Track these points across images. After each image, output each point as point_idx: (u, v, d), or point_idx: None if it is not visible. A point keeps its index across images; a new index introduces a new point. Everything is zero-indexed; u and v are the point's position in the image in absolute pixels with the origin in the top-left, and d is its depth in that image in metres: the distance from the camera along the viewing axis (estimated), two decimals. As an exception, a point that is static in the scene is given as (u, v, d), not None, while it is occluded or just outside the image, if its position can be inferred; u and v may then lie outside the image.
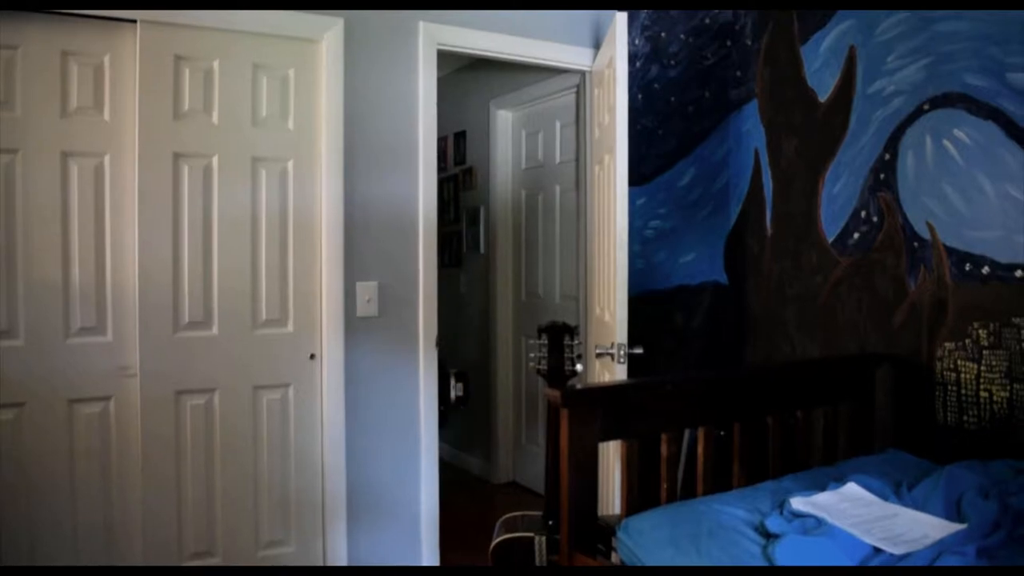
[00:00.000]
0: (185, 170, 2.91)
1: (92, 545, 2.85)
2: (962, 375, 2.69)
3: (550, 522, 2.37)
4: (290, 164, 3.06)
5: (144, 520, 2.90)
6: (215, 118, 2.95)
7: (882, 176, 2.95)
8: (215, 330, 2.97)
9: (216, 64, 2.93)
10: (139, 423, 2.87)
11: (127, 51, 2.82)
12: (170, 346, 2.89)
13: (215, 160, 2.95)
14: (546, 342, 2.46)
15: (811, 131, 3.23)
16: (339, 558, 3.15)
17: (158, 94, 2.84)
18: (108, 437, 2.88)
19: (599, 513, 2.22)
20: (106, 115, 2.82)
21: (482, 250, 5.01)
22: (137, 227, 2.85)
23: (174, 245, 2.91)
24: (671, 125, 3.62)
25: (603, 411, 2.13)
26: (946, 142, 2.73)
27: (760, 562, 1.80)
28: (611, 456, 2.58)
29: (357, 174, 3.16)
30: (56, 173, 2.76)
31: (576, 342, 2.46)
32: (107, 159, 2.83)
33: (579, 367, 2.45)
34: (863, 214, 3.02)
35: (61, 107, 2.75)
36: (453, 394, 3.24)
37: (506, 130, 4.90)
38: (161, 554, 2.92)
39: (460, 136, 5.28)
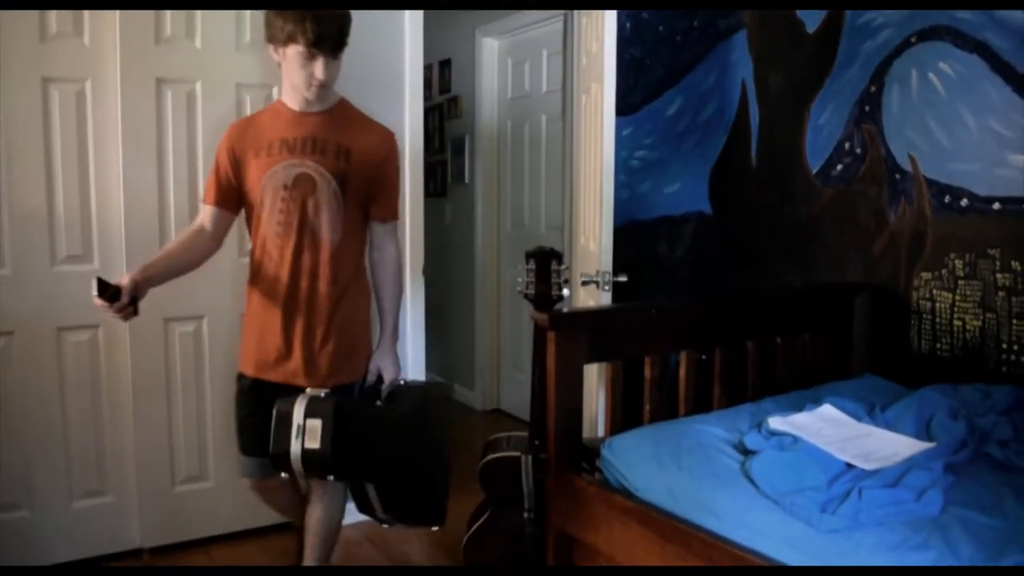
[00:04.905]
0: (168, 96, 2.89)
1: (85, 471, 2.91)
2: (937, 304, 2.76)
3: (536, 442, 2.44)
4: (275, 91, 3.04)
5: (136, 446, 2.95)
6: (198, 43, 2.91)
7: (867, 108, 2.97)
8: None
9: (198, -13, 2.89)
10: (128, 350, 2.91)
11: (107, -28, 2.77)
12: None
13: (198, 86, 2.93)
14: (533, 267, 2.49)
15: (798, 62, 3.23)
16: (328, 481, 3.23)
17: (139, 18, 2.80)
18: (97, 364, 2.91)
19: (584, 436, 2.29)
20: (86, 39, 2.78)
21: (467, 180, 5.01)
22: (121, 154, 2.83)
23: (159, 172, 2.90)
24: (659, 54, 3.61)
25: (589, 334, 2.18)
26: (931, 75, 2.75)
27: (739, 476, 1.88)
28: (595, 382, 2.64)
29: (343, 101, 3.15)
30: (37, 99, 2.73)
31: (563, 267, 2.50)
32: (88, 85, 2.80)
33: (566, 292, 2.49)
34: (847, 146, 3.04)
35: (39, 32, 2.71)
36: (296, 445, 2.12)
37: (492, 59, 4.86)
38: (153, 479, 2.98)
39: (445, 64, 5.22)
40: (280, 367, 2.30)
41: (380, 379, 2.44)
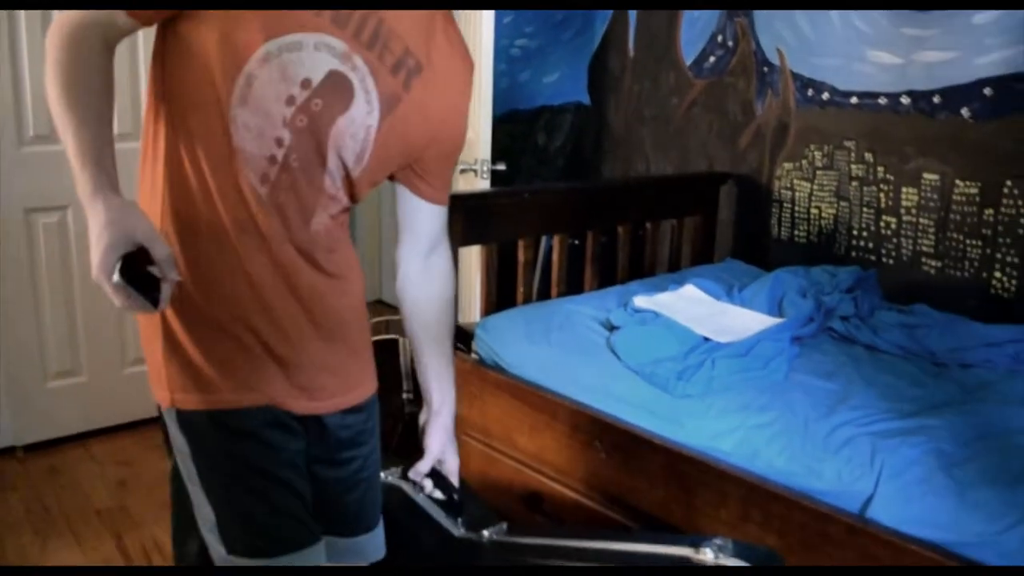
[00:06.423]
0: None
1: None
2: (797, 193, 2.91)
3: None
4: None
5: (2, 343, 2.85)
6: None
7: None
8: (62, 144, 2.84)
9: None
10: (-13, 242, 2.78)
11: None
12: (16, 162, 2.76)
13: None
14: (410, 153, 2.49)
15: (676, -48, 3.25)
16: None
17: None
18: (-47, 257, 2.77)
19: (459, 321, 2.36)
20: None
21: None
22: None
23: (10, 47, 2.70)
24: (540, -59, 3.56)
25: (464, 217, 2.22)
26: (801, -32, 2.83)
27: (604, 350, 1.99)
28: (471, 266, 2.69)
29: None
30: None
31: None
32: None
33: (443, 178, 2.51)
34: (720, 38, 3.12)
35: None
36: None
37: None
38: (24, 376, 2.90)
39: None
40: (298, 386, 1.23)
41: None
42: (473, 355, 2.25)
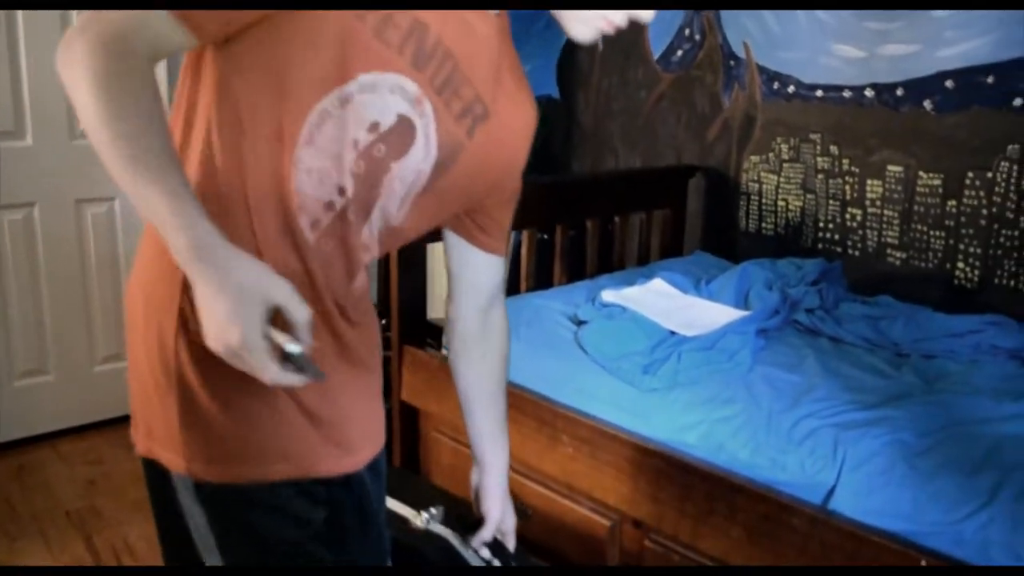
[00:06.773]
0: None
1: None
2: (764, 186, 2.94)
3: (383, 321, 2.49)
4: None
5: (-33, 340, 2.83)
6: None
7: (707, -6, 3.05)
8: (29, 140, 2.81)
9: None
10: (-50, 239, 2.74)
11: None
12: (-23, 157, 2.73)
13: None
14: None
15: (643, -54, 3.26)
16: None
17: None
18: (-84, 256, 2.74)
19: (428, 316, 2.36)
20: None
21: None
22: None
23: None
24: (508, -66, 3.55)
25: (431, 214, 2.22)
26: (766, -38, 2.84)
27: (572, 345, 2.00)
28: (440, 264, 2.69)
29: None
30: None
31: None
32: None
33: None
34: (687, 32, 3.13)
35: None
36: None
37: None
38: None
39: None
40: (332, 443, 1.12)
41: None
42: (443, 350, 2.25)
